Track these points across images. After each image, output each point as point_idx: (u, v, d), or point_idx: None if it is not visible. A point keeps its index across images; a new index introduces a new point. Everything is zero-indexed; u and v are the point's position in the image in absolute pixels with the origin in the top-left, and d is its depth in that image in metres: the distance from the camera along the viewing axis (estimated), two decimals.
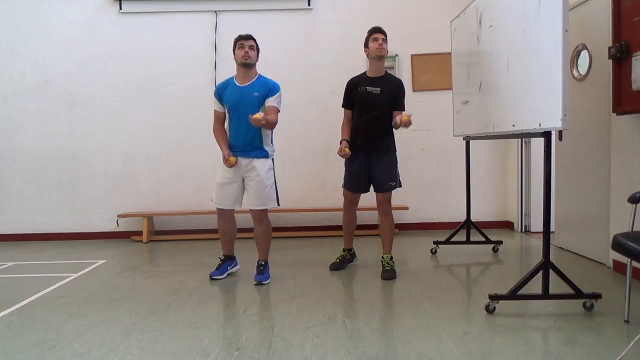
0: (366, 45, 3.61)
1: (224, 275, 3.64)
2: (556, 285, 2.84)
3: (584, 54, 3.86)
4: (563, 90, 2.50)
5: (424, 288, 3.27)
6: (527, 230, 5.20)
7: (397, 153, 3.68)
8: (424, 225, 5.48)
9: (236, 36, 3.47)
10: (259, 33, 3.51)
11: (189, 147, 5.40)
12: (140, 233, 5.26)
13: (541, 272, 2.76)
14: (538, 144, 4.75)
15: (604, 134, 3.62)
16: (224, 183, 3.49)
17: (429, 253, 4.32)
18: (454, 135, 4.48)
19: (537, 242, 4.66)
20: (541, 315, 2.71)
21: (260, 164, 3.44)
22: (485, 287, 3.23)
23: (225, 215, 3.60)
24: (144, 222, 5.20)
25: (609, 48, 3.29)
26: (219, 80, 3.69)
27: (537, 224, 5.05)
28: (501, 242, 4.34)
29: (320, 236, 5.25)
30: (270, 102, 3.39)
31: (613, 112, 3.36)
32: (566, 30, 2.48)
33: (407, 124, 3.24)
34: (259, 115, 3.18)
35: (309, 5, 5.38)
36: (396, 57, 5.32)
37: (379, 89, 3.54)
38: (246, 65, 3.42)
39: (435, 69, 5.33)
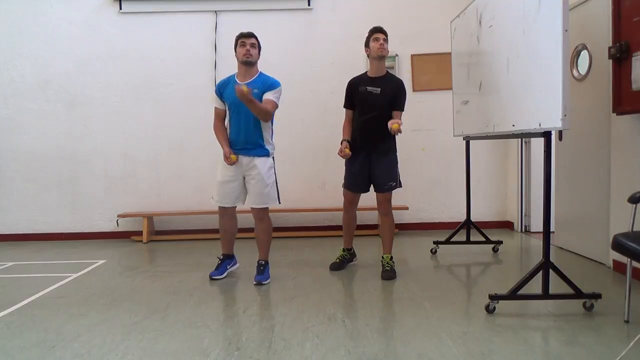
0: (367, 45, 3.60)
1: (224, 274, 3.64)
2: (556, 285, 2.84)
3: (584, 54, 3.86)
4: (563, 90, 2.50)
5: (424, 288, 3.27)
6: (527, 230, 5.20)
7: (397, 153, 3.68)
8: (424, 225, 5.48)
9: (238, 34, 3.47)
10: (259, 33, 3.51)
11: (189, 147, 5.40)
12: (140, 233, 5.26)
13: (541, 272, 2.76)
14: (538, 144, 4.75)
15: (604, 134, 3.62)
16: (225, 181, 3.49)
17: (429, 253, 4.32)
18: (454, 135, 4.48)
19: (537, 242, 4.66)
20: (541, 315, 2.71)
21: (261, 163, 3.45)
22: (485, 287, 3.23)
23: (227, 213, 3.60)
24: (144, 222, 5.20)
25: (609, 48, 3.29)
26: (219, 81, 3.69)
27: (537, 224, 5.05)
28: (501, 242, 4.34)
29: (320, 236, 5.25)
30: (268, 95, 3.38)
31: (613, 112, 3.36)
32: (566, 30, 2.48)
33: (396, 132, 3.31)
34: (245, 87, 3.10)
35: (309, 5, 5.38)
36: (396, 57, 5.32)
37: (380, 89, 3.54)
38: (247, 64, 3.42)
39: (435, 69, 5.33)
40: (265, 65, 3.53)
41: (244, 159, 3.45)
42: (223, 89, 3.51)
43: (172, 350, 2.33)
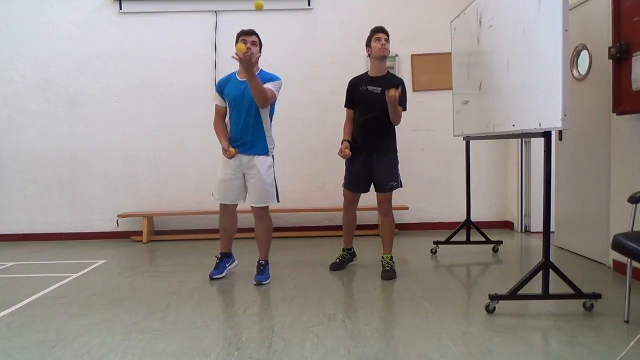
0: (368, 44, 3.60)
1: (224, 273, 3.65)
2: (556, 285, 2.84)
3: (584, 54, 3.86)
4: (563, 90, 2.50)
5: (424, 288, 3.27)
6: (527, 230, 5.20)
7: (397, 153, 3.68)
8: (424, 225, 5.48)
9: (239, 31, 3.47)
10: (259, 33, 3.51)
11: (189, 147, 5.40)
12: (140, 233, 5.26)
13: (541, 272, 2.76)
14: (538, 144, 4.76)
15: (604, 134, 3.62)
16: (225, 179, 3.49)
17: (429, 253, 4.32)
18: (454, 135, 4.48)
19: (537, 242, 4.66)
20: (541, 315, 2.71)
21: (261, 162, 3.44)
22: (485, 287, 3.23)
23: (228, 211, 3.60)
24: (144, 222, 5.20)
25: (609, 48, 3.29)
26: (220, 78, 3.69)
27: (537, 224, 5.05)
28: (501, 242, 4.34)
29: (320, 236, 5.25)
30: (268, 85, 3.35)
31: (613, 112, 3.36)
32: (566, 30, 2.48)
33: (394, 99, 3.27)
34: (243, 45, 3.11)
35: (309, 5, 5.38)
36: (396, 57, 5.32)
37: (381, 88, 3.54)
38: None
39: (435, 69, 5.33)
40: (265, 65, 3.53)
41: (244, 158, 3.46)
42: (224, 86, 3.52)
43: (172, 350, 2.33)
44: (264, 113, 3.44)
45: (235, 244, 3.76)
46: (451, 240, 4.33)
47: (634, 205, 2.50)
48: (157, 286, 3.47)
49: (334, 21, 5.39)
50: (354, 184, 3.69)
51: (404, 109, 3.56)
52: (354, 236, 3.91)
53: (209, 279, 3.58)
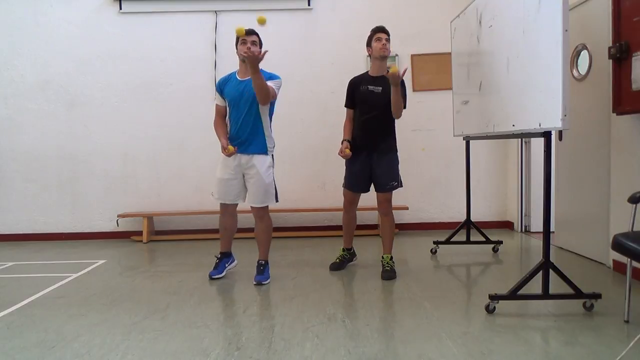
0: (369, 44, 3.60)
1: (223, 273, 3.65)
2: (556, 285, 2.84)
3: (584, 54, 3.86)
4: (563, 90, 2.50)
5: (424, 288, 3.27)
6: (527, 230, 5.20)
7: (398, 152, 3.68)
8: (424, 225, 5.48)
9: None
10: (259, 33, 3.51)
11: (189, 147, 5.40)
12: (140, 233, 5.26)
13: (541, 272, 2.76)
14: (538, 144, 4.75)
15: (604, 134, 3.62)
16: (225, 179, 3.49)
17: (429, 253, 4.32)
18: (454, 135, 4.48)
19: (537, 242, 4.66)
20: (541, 315, 2.71)
21: (260, 162, 3.44)
22: (485, 287, 3.23)
23: (228, 210, 3.60)
24: (144, 222, 5.20)
25: (609, 48, 3.29)
26: (220, 78, 3.70)
27: (537, 224, 5.05)
28: (501, 242, 4.34)
29: (320, 236, 5.24)
30: (268, 83, 3.35)
31: (613, 112, 3.36)
32: (566, 30, 2.48)
33: (395, 76, 3.23)
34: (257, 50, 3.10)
35: (309, 5, 5.38)
36: (396, 57, 5.32)
37: (381, 88, 3.54)
38: None
39: (435, 69, 5.33)
40: (265, 65, 3.52)
41: (243, 157, 3.45)
42: (224, 86, 3.52)
43: (172, 350, 2.33)
44: (264, 112, 3.44)
45: (235, 244, 3.76)
46: (451, 240, 4.33)
47: (634, 205, 2.50)
48: (157, 286, 3.47)
49: (334, 21, 5.39)
50: (354, 184, 3.68)
51: (404, 107, 3.55)
52: (354, 236, 3.91)
53: (208, 279, 3.58)
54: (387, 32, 3.56)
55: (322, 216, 5.43)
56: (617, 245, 2.28)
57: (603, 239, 3.65)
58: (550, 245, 2.84)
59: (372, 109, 3.56)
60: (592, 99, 3.76)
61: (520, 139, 5.07)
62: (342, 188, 3.76)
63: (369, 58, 3.71)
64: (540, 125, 2.73)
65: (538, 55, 2.73)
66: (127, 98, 5.40)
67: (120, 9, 5.35)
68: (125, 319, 2.78)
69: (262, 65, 3.54)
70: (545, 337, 2.43)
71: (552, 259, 2.82)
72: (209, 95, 4.99)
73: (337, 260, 3.85)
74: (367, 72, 3.69)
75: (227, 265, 3.70)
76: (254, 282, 3.44)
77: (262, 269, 3.53)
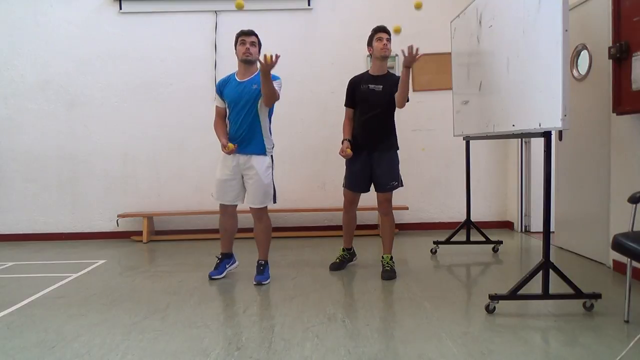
0: (370, 44, 3.60)
1: (223, 274, 3.65)
2: (556, 285, 2.84)
3: (584, 54, 3.86)
4: (563, 90, 2.50)
5: (424, 288, 3.27)
6: (527, 230, 5.20)
7: (398, 152, 3.67)
8: (424, 225, 5.48)
9: (238, 31, 3.47)
10: (259, 33, 3.51)
11: (189, 147, 5.40)
12: (140, 233, 5.26)
13: (541, 272, 2.76)
14: (538, 144, 4.75)
15: (604, 134, 3.62)
16: (224, 180, 3.49)
17: (429, 253, 4.32)
18: (454, 135, 4.48)
19: (537, 242, 4.66)
20: (541, 315, 2.71)
21: (259, 163, 3.44)
22: (485, 287, 3.23)
23: (228, 211, 3.60)
24: (144, 222, 5.20)
25: (609, 48, 3.29)
26: (219, 79, 3.70)
27: (537, 224, 5.05)
28: (501, 242, 4.34)
29: (320, 236, 5.24)
30: None
31: (613, 112, 3.36)
32: (566, 30, 2.48)
33: (410, 54, 3.23)
34: (269, 55, 3.09)
35: (309, 5, 5.38)
36: (396, 57, 5.32)
37: (381, 87, 3.54)
38: (247, 62, 3.42)
39: (435, 69, 5.33)
40: None
41: (241, 158, 3.45)
42: (223, 87, 3.52)
43: (172, 350, 2.33)
44: (263, 114, 3.44)
45: (235, 244, 3.75)
46: (451, 240, 4.33)
47: (634, 205, 2.51)
48: (157, 286, 3.47)
49: (334, 21, 5.39)
50: (355, 183, 3.68)
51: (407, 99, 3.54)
52: (354, 236, 3.91)
53: (208, 279, 3.58)
54: (388, 32, 3.57)
55: (322, 216, 5.43)
56: (617, 245, 2.29)
57: (603, 239, 3.65)
58: (550, 245, 2.84)
59: (373, 107, 3.56)
60: (592, 99, 3.76)
61: (520, 139, 5.07)
62: (342, 188, 3.76)
63: (369, 58, 3.72)
64: (540, 125, 2.73)
65: (538, 55, 2.73)
66: (127, 98, 5.40)
67: (120, 9, 5.35)
68: (125, 319, 2.78)
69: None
70: (545, 337, 2.43)
71: (552, 259, 2.82)
72: (209, 96, 4.98)
73: (337, 260, 3.85)
74: (368, 71, 3.70)
75: (227, 266, 3.70)
76: (254, 282, 3.44)
77: (262, 269, 3.53)
